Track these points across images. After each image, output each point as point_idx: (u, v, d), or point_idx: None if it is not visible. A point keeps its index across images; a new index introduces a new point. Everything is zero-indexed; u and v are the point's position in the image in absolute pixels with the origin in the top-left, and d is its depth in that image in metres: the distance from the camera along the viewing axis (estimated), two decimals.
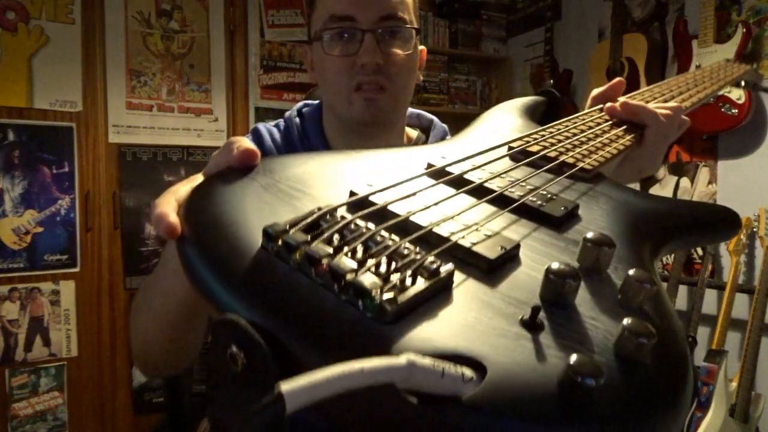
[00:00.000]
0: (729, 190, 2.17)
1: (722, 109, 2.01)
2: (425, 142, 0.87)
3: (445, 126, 0.91)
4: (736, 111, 1.98)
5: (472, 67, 3.22)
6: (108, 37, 2.27)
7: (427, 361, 0.25)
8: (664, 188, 2.41)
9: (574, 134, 0.57)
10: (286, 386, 0.23)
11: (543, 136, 0.55)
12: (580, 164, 0.50)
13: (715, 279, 2.15)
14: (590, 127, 0.60)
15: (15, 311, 2.12)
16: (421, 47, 0.84)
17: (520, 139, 0.54)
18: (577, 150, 0.53)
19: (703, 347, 2.06)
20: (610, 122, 0.63)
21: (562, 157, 0.50)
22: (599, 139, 0.57)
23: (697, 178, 2.28)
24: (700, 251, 2.19)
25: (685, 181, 2.33)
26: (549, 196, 0.42)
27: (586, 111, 0.67)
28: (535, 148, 0.52)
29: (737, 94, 1.97)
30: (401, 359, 0.25)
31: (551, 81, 2.72)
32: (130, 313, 0.63)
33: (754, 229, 1.98)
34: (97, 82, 2.25)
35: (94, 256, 2.25)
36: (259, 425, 0.23)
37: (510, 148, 0.52)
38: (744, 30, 1.97)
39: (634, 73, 2.30)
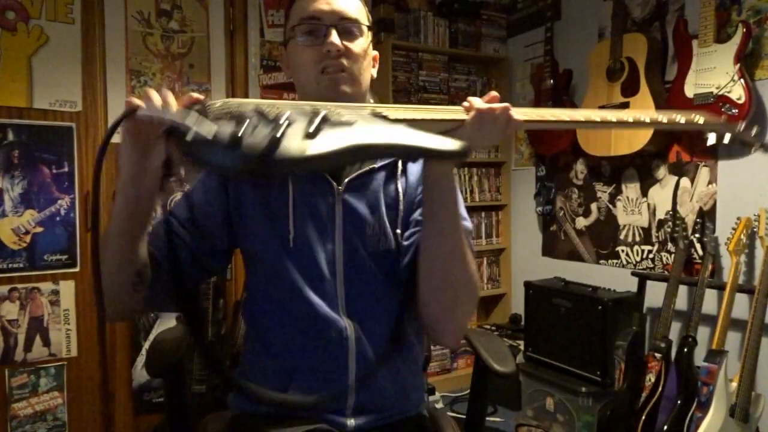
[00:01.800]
0: (729, 190, 2.17)
1: (722, 109, 2.01)
2: None
3: None
4: (737, 111, 1.98)
5: (472, 67, 3.22)
6: (108, 37, 2.27)
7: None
8: (664, 188, 2.41)
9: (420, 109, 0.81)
10: (141, 107, 0.71)
11: (405, 106, 0.80)
12: (385, 112, 0.76)
13: (715, 279, 2.15)
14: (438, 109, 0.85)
15: (15, 311, 2.12)
16: (375, 52, 1.03)
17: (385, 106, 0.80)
18: (402, 110, 0.78)
19: (703, 347, 2.06)
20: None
21: (385, 111, 0.76)
22: (429, 113, 0.81)
23: (697, 178, 2.28)
24: (700, 251, 2.19)
25: (685, 181, 2.33)
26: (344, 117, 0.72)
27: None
28: (385, 110, 0.76)
29: (737, 94, 1.98)
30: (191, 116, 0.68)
31: (551, 81, 2.72)
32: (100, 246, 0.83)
33: (754, 229, 1.98)
34: (97, 82, 2.25)
35: None
36: (115, 121, 0.71)
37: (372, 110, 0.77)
38: (744, 30, 1.97)
39: (634, 73, 2.30)
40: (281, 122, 0.65)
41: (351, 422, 0.95)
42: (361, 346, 0.95)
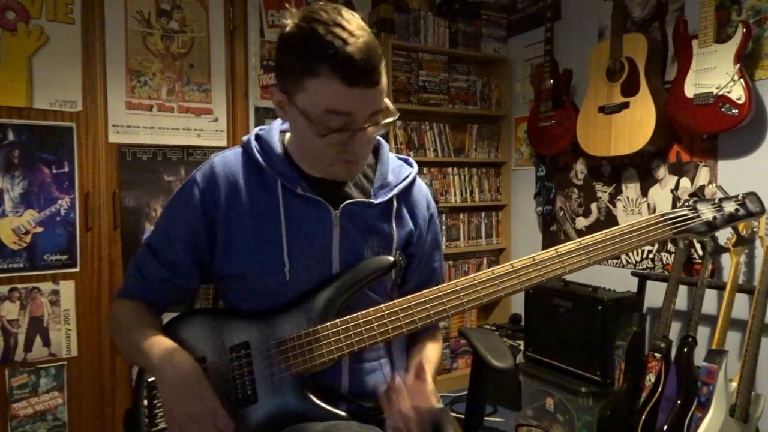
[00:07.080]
0: (729, 190, 2.17)
1: (722, 109, 2.01)
2: (374, 166, 1.05)
3: (386, 145, 1.08)
4: (737, 111, 1.98)
5: (472, 67, 3.22)
6: (108, 37, 2.27)
7: None
8: (663, 188, 2.41)
9: None
10: None
11: None
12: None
13: (715, 279, 2.15)
14: None
15: (15, 311, 2.12)
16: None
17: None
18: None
19: (703, 347, 2.06)
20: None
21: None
22: None
23: (697, 178, 2.28)
24: (700, 251, 2.19)
25: (685, 181, 2.33)
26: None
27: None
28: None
29: (737, 94, 1.97)
30: None
31: (551, 81, 2.72)
32: (110, 321, 1.07)
33: (754, 229, 1.98)
34: (97, 82, 2.25)
35: (94, 256, 2.25)
36: None
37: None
38: (744, 30, 1.97)
39: (634, 73, 2.30)
40: None
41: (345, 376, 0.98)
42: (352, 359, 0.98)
